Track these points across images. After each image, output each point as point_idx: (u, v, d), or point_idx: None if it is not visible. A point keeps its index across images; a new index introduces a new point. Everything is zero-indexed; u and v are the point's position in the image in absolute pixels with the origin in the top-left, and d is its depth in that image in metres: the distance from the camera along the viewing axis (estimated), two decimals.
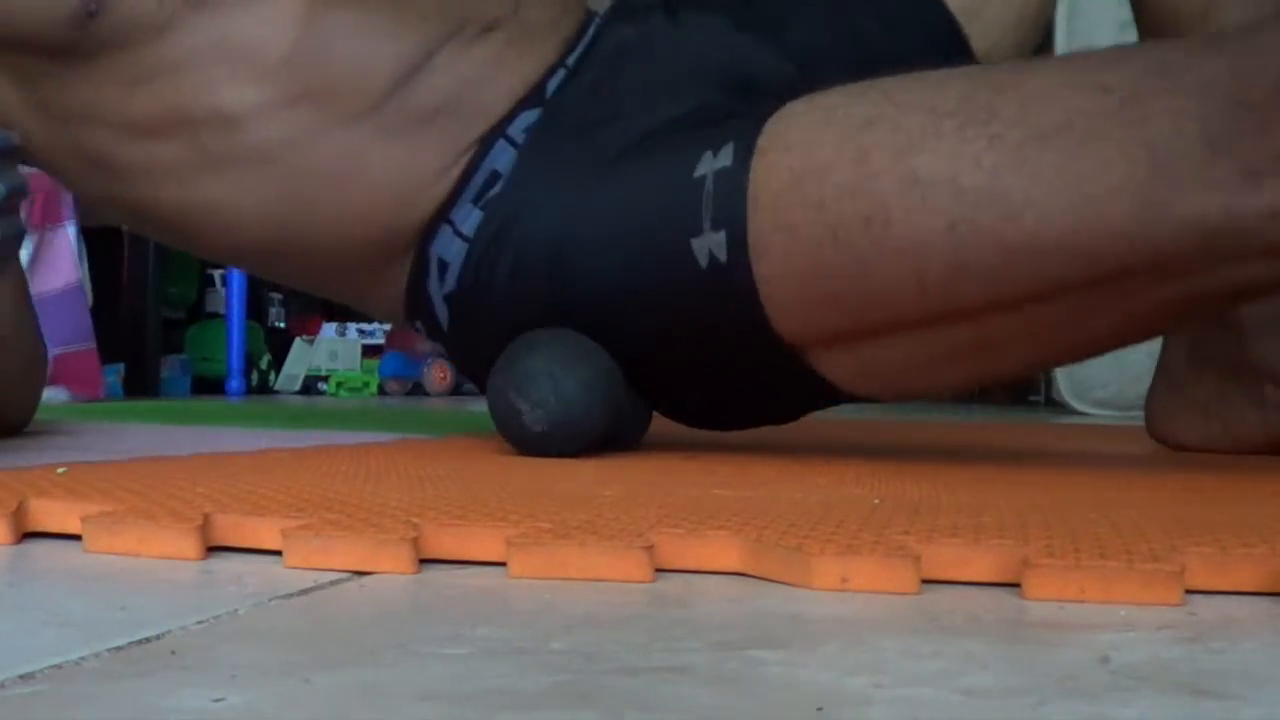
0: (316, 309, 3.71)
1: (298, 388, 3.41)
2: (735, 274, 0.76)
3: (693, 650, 0.30)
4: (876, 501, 0.54)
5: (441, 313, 0.89)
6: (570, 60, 0.90)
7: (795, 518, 0.46)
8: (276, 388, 3.37)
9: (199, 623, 0.32)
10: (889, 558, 0.38)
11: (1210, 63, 0.66)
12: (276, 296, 3.60)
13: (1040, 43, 0.97)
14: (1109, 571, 0.37)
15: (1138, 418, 1.08)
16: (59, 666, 0.27)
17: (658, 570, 0.40)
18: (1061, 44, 2.13)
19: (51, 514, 0.46)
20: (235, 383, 2.95)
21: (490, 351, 0.84)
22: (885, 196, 0.71)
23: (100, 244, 2.36)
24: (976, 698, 0.26)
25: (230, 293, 2.96)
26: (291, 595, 0.36)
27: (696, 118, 0.84)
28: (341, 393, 3.34)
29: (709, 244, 0.77)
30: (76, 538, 0.44)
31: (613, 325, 0.83)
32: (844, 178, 0.72)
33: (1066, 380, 2.47)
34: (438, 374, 3.39)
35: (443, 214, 0.87)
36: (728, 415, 0.93)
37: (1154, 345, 1.08)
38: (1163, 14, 0.93)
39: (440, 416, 1.80)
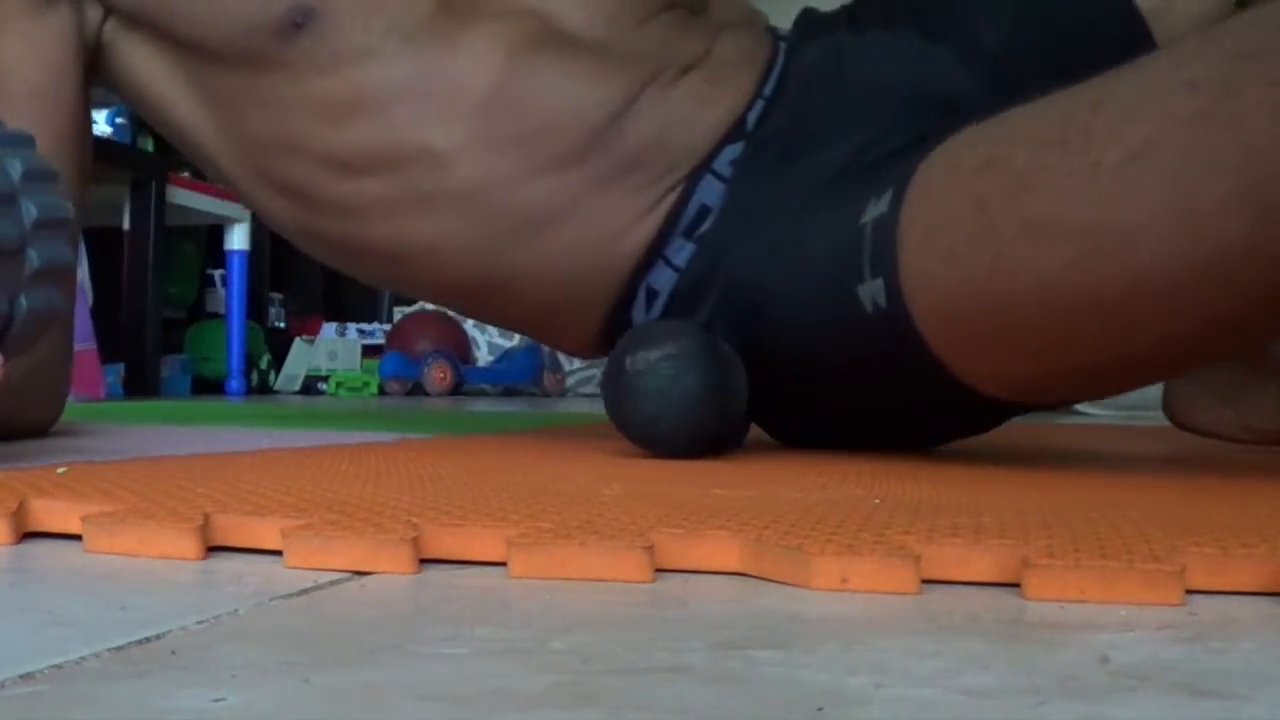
0: (317, 309, 3.71)
1: (298, 388, 3.41)
2: (899, 321, 0.76)
3: (693, 650, 0.30)
4: (876, 501, 0.54)
5: None
6: (767, 90, 0.91)
7: (795, 518, 0.46)
8: (276, 388, 3.37)
9: (199, 623, 0.32)
10: (889, 558, 0.38)
11: None
12: (277, 296, 3.61)
13: None
14: (1109, 571, 0.37)
15: (1138, 417, 1.08)
16: (59, 666, 0.27)
17: (658, 570, 0.40)
18: None
19: (51, 514, 0.46)
20: (235, 383, 2.95)
21: None
22: (1003, 245, 0.69)
23: (100, 244, 2.36)
24: (976, 698, 0.26)
25: (230, 293, 2.96)
26: (291, 595, 0.36)
27: (885, 151, 0.84)
28: (341, 393, 3.34)
29: (871, 291, 0.77)
30: (76, 538, 0.44)
31: (796, 367, 0.84)
32: (968, 226, 0.71)
33: None
34: (438, 374, 3.39)
35: (655, 251, 0.88)
36: (903, 438, 0.92)
37: None
38: None
39: (440, 416, 1.80)
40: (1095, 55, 0.80)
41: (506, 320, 1.01)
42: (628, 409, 0.79)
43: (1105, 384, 0.79)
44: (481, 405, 2.56)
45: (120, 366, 2.47)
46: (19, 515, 0.45)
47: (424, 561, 0.41)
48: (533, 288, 0.91)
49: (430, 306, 3.86)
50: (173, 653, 0.29)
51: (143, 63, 0.91)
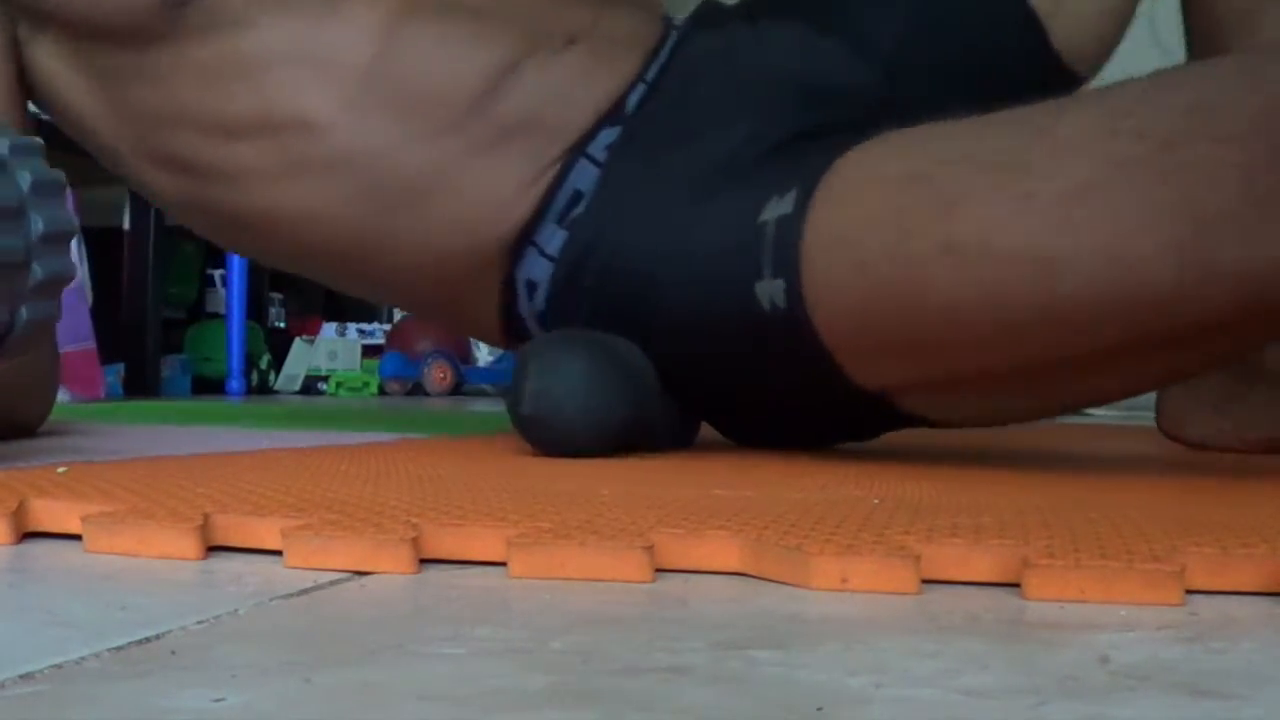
0: (316, 309, 3.71)
1: (298, 388, 3.41)
2: (797, 322, 0.76)
3: (693, 650, 0.30)
4: (876, 501, 0.54)
5: (536, 332, 0.90)
6: (650, 74, 0.90)
7: (795, 518, 0.46)
8: (276, 388, 3.37)
9: (199, 623, 0.32)
10: (889, 558, 0.38)
11: (1248, 101, 0.62)
12: (277, 296, 3.60)
13: (1122, 36, 0.95)
14: (1109, 571, 0.37)
15: (1138, 418, 1.08)
16: (59, 666, 0.27)
17: (658, 570, 0.40)
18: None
19: (51, 514, 0.46)
20: (235, 383, 2.95)
21: None
22: (923, 263, 0.69)
23: (100, 244, 2.36)
24: (976, 698, 0.26)
25: (230, 293, 2.96)
26: (291, 595, 0.36)
27: (772, 142, 0.83)
28: (341, 393, 3.34)
29: (770, 290, 0.77)
30: (76, 538, 0.44)
31: (690, 357, 0.84)
32: (885, 238, 0.71)
33: None
34: (438, 374, 3.39)
35: (527, 235, 0.88)
36: (801, 439, 0.93)
37: None
38: (1210, 13, 0.92)
39: (440, 416, 1.80)
40: (991, 58, 0.81)
41: (396, 299, 1.00)
42: (534, 439, 0.81)
43: (1008, 403, 0.79)
44: (481, 405, 2.56)
45: (120, 366, 2.47)
46: (19, 515, 0.45)
47: (424, 561, 0.41)
48: (406, 266, 0.90)
49: None
50: (173, 653, 0.29)
51: (46, 59, 0.91)
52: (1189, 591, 0.37)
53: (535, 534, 0.41)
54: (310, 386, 3.43)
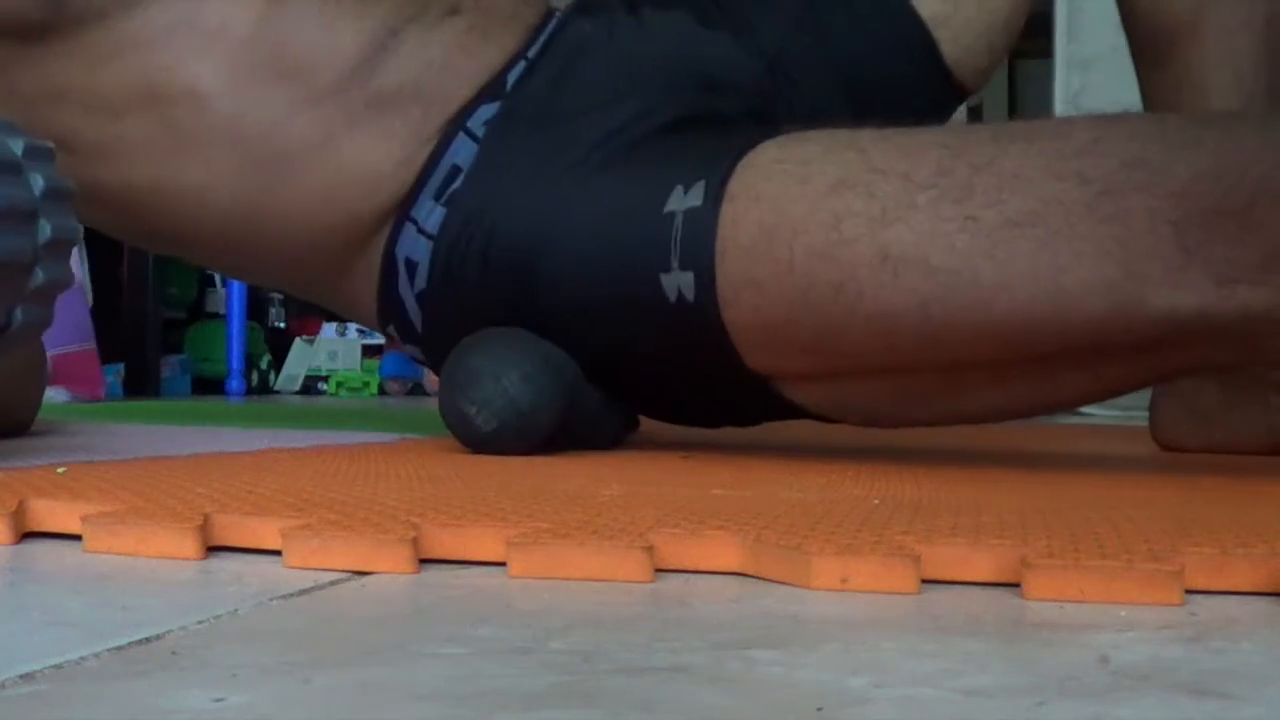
0: (316, 309, 3.71)
1: (298, 388, 3.41)
2: (705, 315, 0.76)
3: (693, 650, 0.30)
4: (876, 501, 0.54)
5: (415, 314, 0.89)
6: (531, 52, 0.90)
7: (795, 518, 0.46)
8: (276, 388, 3.37)
9: (199, 623, 0.32)
10: (889, 558, 0.38)
11: (1190, 162, 0.65)
12: (277, 297, 3.60)
13: (1012, 46, 0.96)
14: (1109, 571, 0.37)
15: (1138, 418, 1.08)
16: (59, 666, 0.27)
17: (658, 570, 0.40)
18: (1061, 45, 2.13)
19: (51, 514, 0.46)
20: (235, 383, 2.95)
21: None
22: (856, 268, 0.70)
23: (100, 244, 2.36)
24: (976, 698, 0.26)
25: (230, 293, 2.96)
26: (291, 595, 0.36)
27: (657, 123, 0.84)
28: (341, 393, 3.34)
29: (678, 282, 0.77)
30: (76, 538, 0.44)
31: (580, 337, 0.83)
32: (815, 240, 0.72)
33: None
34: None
35: (404, 210, 0.87)
36: (695, 418, 0.94)
37: None
38: (1151, 27, 0.93)
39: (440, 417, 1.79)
40: (879, 65, 0.81)
41: (273, 279, 0.99)
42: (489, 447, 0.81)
43: (914, 412, 0.80)
44: None
45: (120, 366, 2.47)
46: (19, 515, 0.45)
47: (424, 561, 0.41)
48: (287, 240, 0.90)
49: None
50: (173, 653, 0.29)
51: None
52: (1189, 591, 0.37)
53: (535, 534, 0.41)
54: (310, 386, 3.43)
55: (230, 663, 0.28)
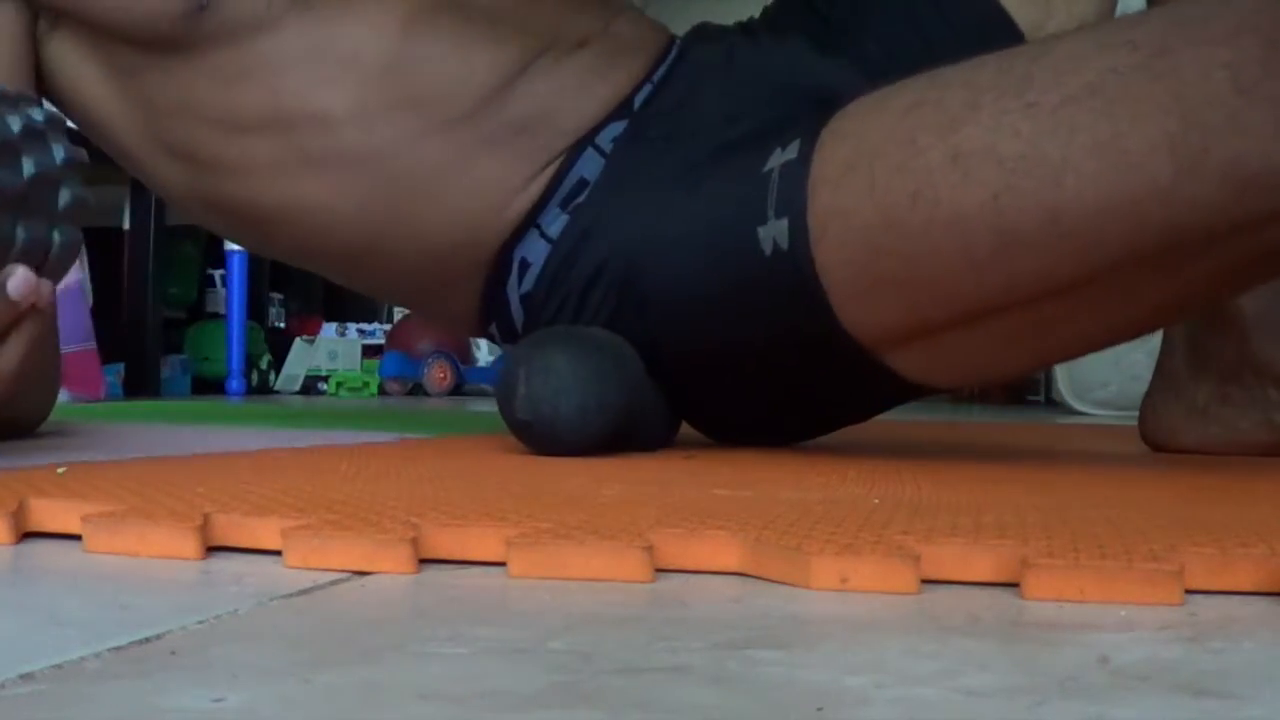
0: (317, 309, 3.72)
1: (298, 388, 3.41)
2: (798, 261, 0.77)
3: (693, 650, 0.30)
4: (876, 501, 0.54)
5: (517, 313, 0.91)
6: (656, 76, 0.93)
7: (795, 518, 0.46)
8: (276, 388, 3.37)
9: (199, 623, 0.32)
10: (889, 558, 0.38)
11: (1237, 6, 0.66)
12: (277, 297, 3.61)
13: None
14: (1109, 571, 0.37)
15: (1137, 417, 1.08)
16: (59, 666, 0.27)
17: (658, 570, 0.40)
18: None
19: (51, 514, 0.46)
20: (235, 383, 2.95)
21: None
22: (930, 173, 0.72)
23: (100, 244, 2.36)
24: (976, 698, 0.26)
25: (230, 293, 2.96)
26: (291, 595, 0.36)
27: (776, 124, 0.85)
28: (341, 393, 3.34)
29: (773, 232, 0.78)
30: (76, 538, 0.44)
31: (681, 333, 0.85)
32: (892, 159, 0.74)
33: (1066, 380, 2.47)
34: (438, 374, 3.39)
35: (530, 219, 0.89)
36: (790, 425, 0.94)
37: (1153, 344, 1.08)
38: None
39: (440, 416, 1.80)
40: None
41: (386, 290, 1.02)
42: (532, 442, 0.81)
43: (1008, 358, 0.81)
44: (481, 405, 2.56)
45: (120, 366, 2.47)
46: (19, 515, 0.45)
47: (424, 561, 0.41)
48: (413, 254, 0.92)
49: None
50: (173, 653, 0.29)
51: (64, 53, 0.92)
52: (1189, 591, 0.37)
53: (535, 534, 0.41)
54: (310, 386, 3.43)
55: (230, 663, 0.28)
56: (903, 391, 0.86)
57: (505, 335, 0.94)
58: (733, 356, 0.85)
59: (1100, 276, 0.71)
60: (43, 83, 0.95)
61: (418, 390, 3.40)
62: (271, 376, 3.36)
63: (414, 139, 0.88)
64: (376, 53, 0.88)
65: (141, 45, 0.89)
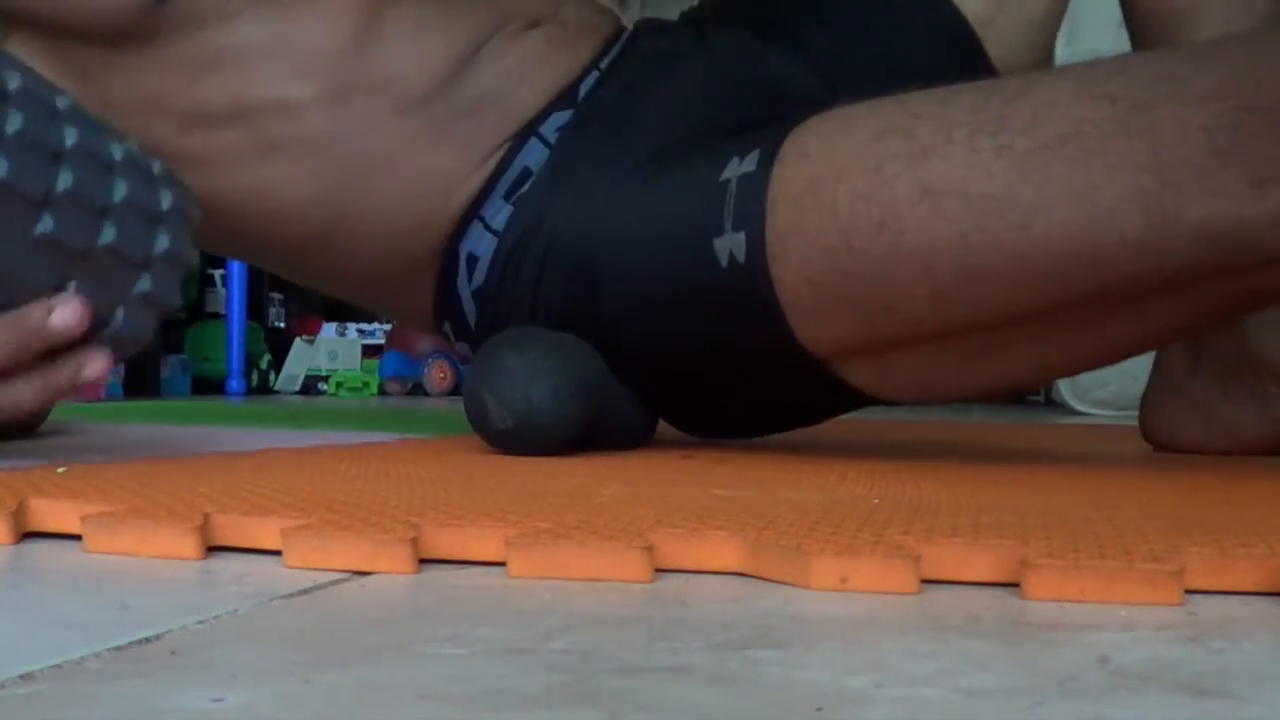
0: (316, 309, 3.71)
1: (298, 388, 3.41)
2: (754, 276, 0.77)
3: (693, 650, 0.30)
4: (876, 501, 0.54)
5: (470, 310, 0.91)
6: (604, 64, 0.93)
7: (795, 518, 0.46)
8: (276, 388, 3.37)
9: (199, 623, 0.32)
10: (889, 558, 0.38)
11: (1216, 69, 0.66)
12: (277, 297, 3.61)
13: (1051, 45, 0.97)
14: (1109, 571, 0.37)
15: (1137, 417, 1.08)
16: (59, 666, 0.27)
17: (657, 570, 0.40)
18: (1061, 44, 2.13)
19: (51, 514, 0.46)
20: (235, 383, 2.95)
21: None
22: (897, 204, 0.72)
23: None
24: (976, 698, 0.26)
25: (230, 293, 2.96)
26: (291, 595, 0.36)
27: (727, 123, 0.85)
28: (341, 393, 3.34)
29: (730, 244, 0.78)
30: (76, 538, 0.44)
31: (634, 331, 0.85)
32: (858, 184, 0.73)
33: (1066, 380, 2.47)
34: (438, 374, 3.39)
35: (474, 210, 0.89)
36: (748, 424, 0.94)
37: None
38: (1150, 11, 0.94)
39: (440, 416, 1.80)
40: (927, 68, 0.83)
41: (339, 285, 1.02)
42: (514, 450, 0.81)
43: (965, 379, 0.81)
44: None
45: (120, 366, 2.47)
46: (19, 515, 0.45)
47: (424, 561, 0.41)
48: (363, 243, 0.92)
49: None
50: (173, 653, 0.29)
51: (20, 56, 0.91)
52: (1189, 591, 0.37)
53: (534, 534, 0.41)
54: (310, 386, 3.43)
55: (230, 663, 0.28)
56: (858, 401, 0.86)
57: (459, 333, 0.94)
58: (684, 357, 0.85)
59: (1063, 311, 0.71)
60: None
61: (418, 390, 3.40)
62: (271, 376, 3.36)
63: (370, 124, 0.88)
64: (335, 40, 0.88)
65: (100, 43, 0.89)
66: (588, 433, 0.82)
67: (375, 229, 0.90)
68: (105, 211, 0.66)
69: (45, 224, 0.63)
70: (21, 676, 0.26)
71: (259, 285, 3.30)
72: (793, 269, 0.76)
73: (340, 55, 0.87)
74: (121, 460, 0.69)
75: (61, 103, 0.67)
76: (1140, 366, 1.09)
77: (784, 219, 0.76)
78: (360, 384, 3.42)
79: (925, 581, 0.39)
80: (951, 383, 0.81)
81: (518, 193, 0.88)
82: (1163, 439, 1.04)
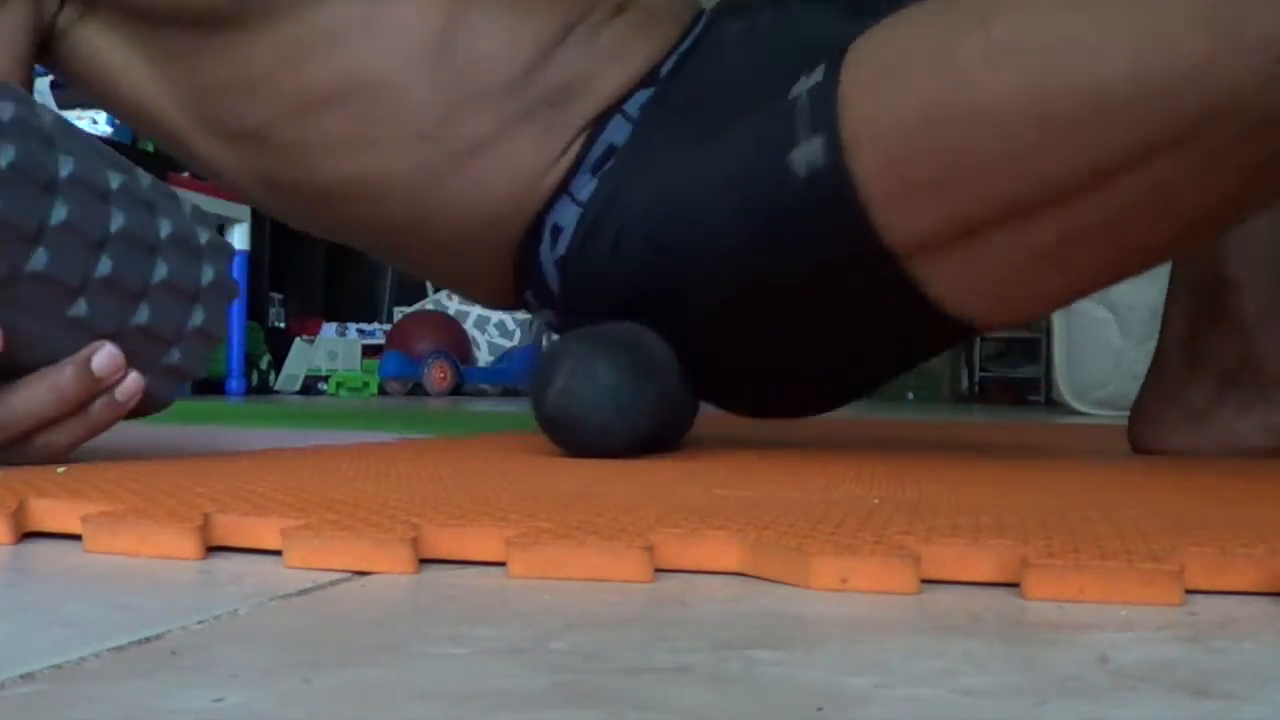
0: (316, 309, 3.72)
1: (298, 388, 3.41)
2: (834, 176, 0.78)
3: (693, 650, 0.30)
4: (876, 501, 0.54)
5: (553, 278, 0.93)
6: (684, 45, 0.94)
7: (795, 518, 0.46)
8: (276, 388, 3.37)
9: (199, 623, 0.32)
10: (889, 558, 0.38)
11: None
12: (277, 296, 3.61)
13: None
14: (1109, 571, 0.37)
15: (1128, 423, 1.07)
16: (59, 666, 0.27)
17: (658, 570, 0.40)
18: None
19: (51, 514, 0.46)
20: (235, 383, 2.95)
21: (599, 318, 0.87)
22: (967, 67, 0.73)
23: None
24: (976, 698, 0.26)
25: None
26: (291, 595, 0.36)
27: (800, 69, 0.86)
28: (341, 393, 3.34)
29: (806, 154, 0.79)
30: (76, 538, 0.44)
31: (713, 281, 0.85)
32: (925, 59, 0.75)
33: (1066, 380, 2.47)
34: (438, 374, 3.39)
35: (563, 187, 0.91)
36: (821, 388, 0.93)
37: (1152, 344, 1.08)
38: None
39: (440, 416, 1.80)
40: None
41: (424, 264, 1.03)
42: (558, 440, 0.81)
43: (1042, 280, 0.80)
44: (481, 405, 2.56)
45: None
46: (19, 515, 0.45)
47: (424, 561, 0.41)
48: (455, 228, 0.93)
49: (430, 306, 3.86)
50: (173, 653, 0.29)
51: (95, 40, 0.93)
52: (1189, 591, 0.37)
53: (535, 534, 0.41)
54: (310, 386, 3.43)
55: (230, 663, 0.28)
56: (939, 327, 0.85)
57: (542, 301, 0.95)
58: (765, 302, 0.85)
59: (1135, 166, 0.71)
60: (79, 75, 0.94)
61: (418, 390, 3.40)
62: (271, 376, 3.36)
63: (461, 110, 0.89)
64: (428, 24, 0.89)
65: (192, 26, 0.90)
66: (644, 447, 0.82)
67: (470, 210, 0.92)
68: (142, 294, 0.67)
69: (79, 308, 0.64)
70: (21, 676, 0.26)
71: (259, 285, 3.30)
72: (871, 159, 0.77)
73: (431, 39, 0.89)
74: (121, 460, 0.69)
75: (114, 182, 0.67)
76: (1141, 367, 1.08)
77: (857, 111, 0.77)
78: (360, 384, 3.42)
79: (925, 581, 0.39)
80: (1031, 288, 0.81)
81: (603, 168, 0.90)
82: (1154, 445, 1.01)
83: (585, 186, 0.90)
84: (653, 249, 0.87)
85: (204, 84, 0.92)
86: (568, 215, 0.91)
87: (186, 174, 2.80)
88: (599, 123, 0.91)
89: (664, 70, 0.93)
